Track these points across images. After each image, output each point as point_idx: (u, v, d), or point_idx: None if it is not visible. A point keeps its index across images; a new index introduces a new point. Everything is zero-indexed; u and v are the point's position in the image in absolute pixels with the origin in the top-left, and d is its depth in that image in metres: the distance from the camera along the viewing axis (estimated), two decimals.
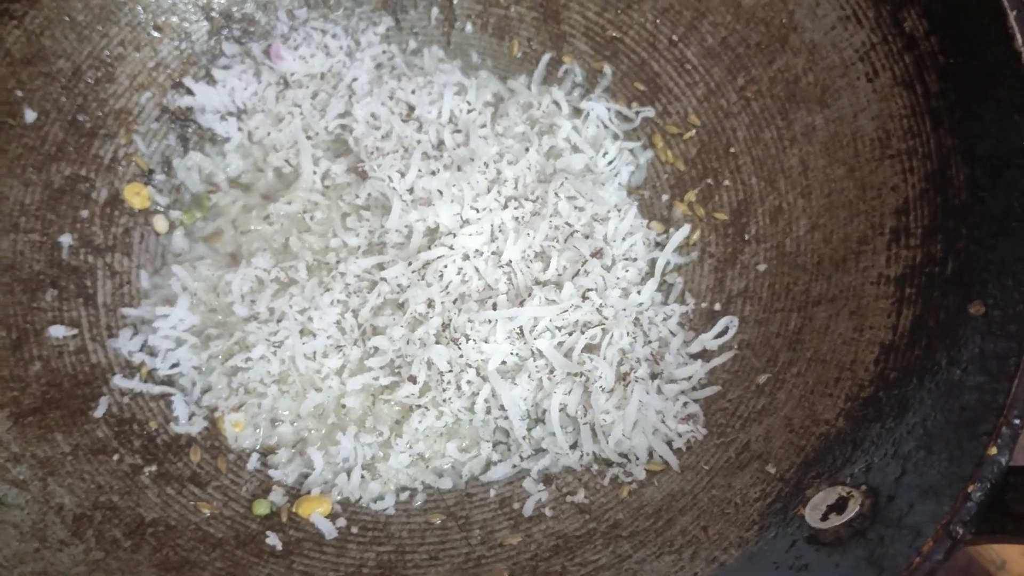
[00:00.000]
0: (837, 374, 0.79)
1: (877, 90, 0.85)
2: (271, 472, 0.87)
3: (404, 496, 0.87)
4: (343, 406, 0.89)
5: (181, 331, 0.91)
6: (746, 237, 0.92)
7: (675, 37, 0.98)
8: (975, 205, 0.75)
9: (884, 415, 0.73)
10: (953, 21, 0.79)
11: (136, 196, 0.97)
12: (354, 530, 0.84)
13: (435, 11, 1.04)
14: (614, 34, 1.01)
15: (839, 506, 0.69)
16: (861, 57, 0.86)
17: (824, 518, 0.69)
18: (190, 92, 1.00)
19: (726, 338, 0.89)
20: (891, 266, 0.80)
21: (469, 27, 1.05)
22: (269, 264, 0.93)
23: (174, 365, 0.91)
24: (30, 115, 0.91)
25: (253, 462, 0.87)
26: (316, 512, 0.84)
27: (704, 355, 0.89)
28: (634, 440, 0.85)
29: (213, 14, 1.01)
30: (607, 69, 1.01)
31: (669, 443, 0.85)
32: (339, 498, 0.86)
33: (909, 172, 0.81)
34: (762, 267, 0.90)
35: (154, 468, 0.84)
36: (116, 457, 0.84)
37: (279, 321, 0.89)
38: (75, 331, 0.90)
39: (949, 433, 0.67)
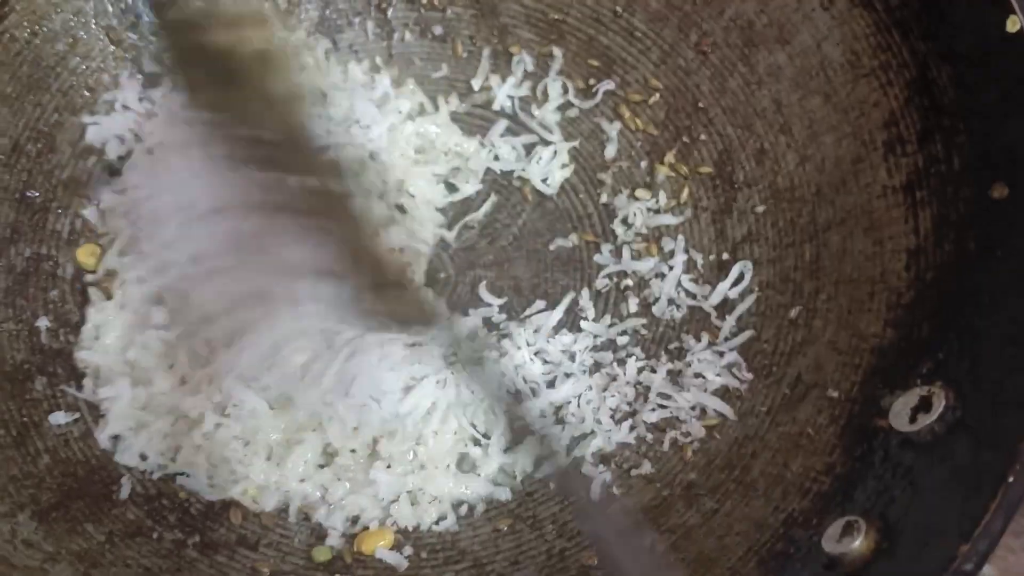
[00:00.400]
0: (870, 288, 0.80)
1: (835, 16, 0.87)
2: (318, 518, 0.82)
3: (463, 510, 0.83)
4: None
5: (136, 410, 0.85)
6: (735, 184, 0.92)
7: (619, 8, 0.98)
8: (967, 99, 0.77)
9: (933, 314, 0.74)
10: None
11: (91, 257, 0.91)
12: (423, 555, 0.80)
13: (371, 26, 1.02)
14: (556, 16, 1.01)
15: (923, 405, 0.69)
16: None
17: (913, 420, 0.69)
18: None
19: (744, 284, 0.89)
20: (893, 176, 0.82)
21: (408, 36, 1.03)
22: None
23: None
24: None
25: (294, 513, 0.82)
26: (380, 546, 0.80)
27: (727, 305, 0.89)
28: (679, 402, 0.84)
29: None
30: (556, 52, 1.01)
31: (719, 395, 0.84)
32: (397, 528, 0.82)
33: (888, 85, 0.83)
34: (760, 208, 0.90)
35: (197, 539, 0.78)
36: (155, 535, 0.78)
37: None
38: (76, 415, 0.83)
39: (1012, 309, 0.68)
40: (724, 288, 0.89)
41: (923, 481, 0.66)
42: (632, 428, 0.85)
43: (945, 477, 0.65)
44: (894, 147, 0.82)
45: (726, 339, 0.87)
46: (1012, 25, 0.73)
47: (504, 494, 0.83)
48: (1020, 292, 0.68)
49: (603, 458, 0.84)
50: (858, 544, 0.65)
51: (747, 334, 0.86)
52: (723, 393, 0.84)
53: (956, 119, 0.78)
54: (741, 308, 0.88)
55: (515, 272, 0.94)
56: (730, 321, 0.87)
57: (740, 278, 0.89)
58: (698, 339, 0.87)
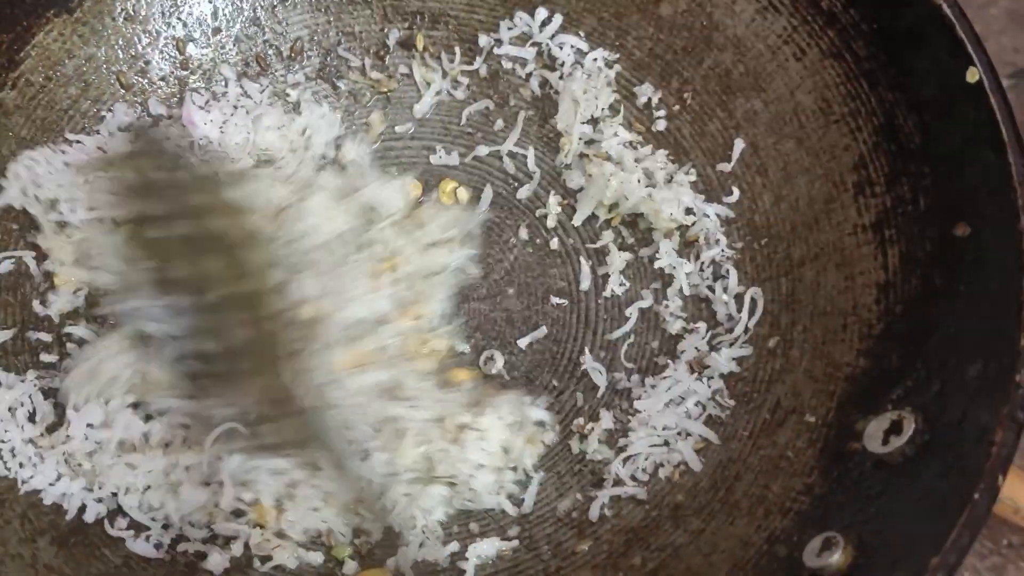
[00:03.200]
0: (843, 320, 0.86)
1: (807, 66, 0.93)
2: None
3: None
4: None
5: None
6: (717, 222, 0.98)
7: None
8: (932, 145, 0.84)
9: (902, 343, 0.80)
10: None
11: None
12: None
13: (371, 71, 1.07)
14: None
15: (895, 428, 0.75)
16: (785, 41, 0.95)
17: (885, 442, 0.75)
18: None
19: (758, 314, 0.93)
20: (863, 215, 0.88)
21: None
22: None
23: None
24: None
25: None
26: None
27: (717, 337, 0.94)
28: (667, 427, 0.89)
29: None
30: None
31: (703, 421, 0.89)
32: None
33: (857, 131, 0.89)
34: (739, 244, 0.96)
35: (217, 556, 0.82)
36: (168, 557, 0.82)
37: None
38: None
39: (975, 339, 0.74)
40: (744, 320, 0.93)
41: (896, 500, 0.72)
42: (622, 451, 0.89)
43: (916, 496, 0.70)
44: (863, 188, 0.88)
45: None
46: (971, 76, 0.79)
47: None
48: (982, 323, 0.74)
49: (595, 483, 0.89)
50: (836, 558, 0.70)
51: (732, 363, 0.91)
52: (706, 419, 0.89)
53: (922, 163, 0.84)
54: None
55: (507, 305, 0.99)
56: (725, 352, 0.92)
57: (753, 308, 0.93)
58: (691, 370, 0.92)
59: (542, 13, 1.04)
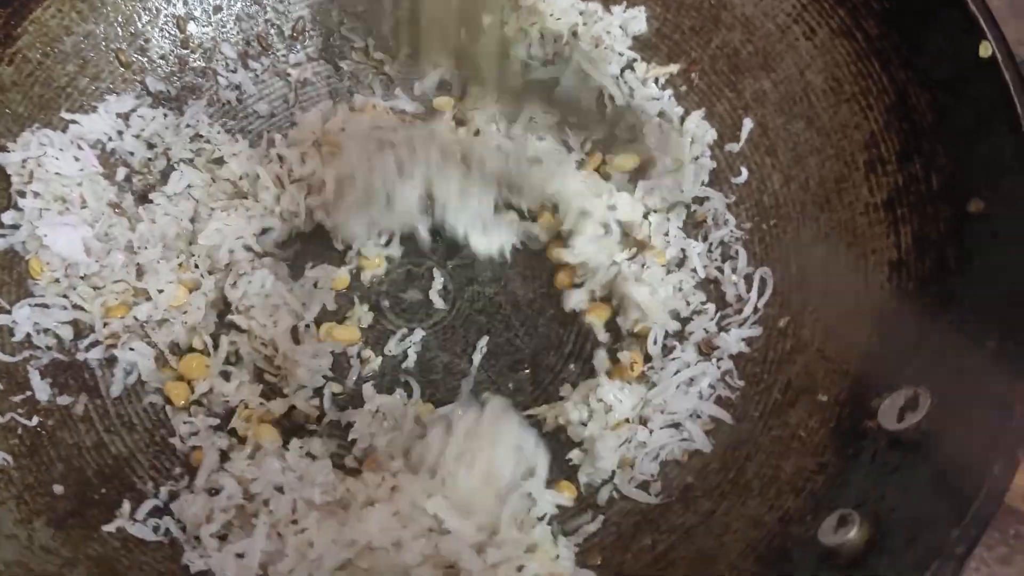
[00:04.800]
0: (855, 300, 0.84)
1: (818, 45, 0.92)
2: None
3: None
4: None
5: None
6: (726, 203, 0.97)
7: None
8: (944, 123, 0.82)
9: (915, 321, 0.79)
10: None
11: None
12: None
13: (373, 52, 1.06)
14: None
15: (910, 405, 0.73)
16: (795, 20, 0.94)
17: (900, 419, 0.73)
18: None
19: (767, 294, 0.91)
20: (875, 194, 0.87)
21: None
22: None
23: None
24: None
25: None
26: None
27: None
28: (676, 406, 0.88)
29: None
30: None
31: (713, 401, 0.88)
32: None
33: (868, 109, 0.88)
34: (747, 225, 0.95)
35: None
36: (167, 540, 0.80)
37: None
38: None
39: (990, 314, 0.73)
40: (753, 300, 0.91)
41: (912, 476, 0.70)
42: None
43: (933, 471, 0.69)
44: (875, 167, 0.87)
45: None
46: (984, 50, 0.78)
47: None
48: (996, 299, 0.73)
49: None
50: (853, 535, 0.69)
51: (741, 343, 0.90)
52: (716, 400, 0.88)
53: (934, 140, 0.83)
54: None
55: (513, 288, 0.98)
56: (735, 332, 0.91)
57: (762, 289, 0.92)
58: (700, 351, 0.91)
59: None
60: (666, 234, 0.95)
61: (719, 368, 0.88)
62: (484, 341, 0.94)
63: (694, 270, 0.94)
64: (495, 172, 0.93)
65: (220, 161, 0.98)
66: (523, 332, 0.95)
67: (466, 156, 0.93)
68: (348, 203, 0.93)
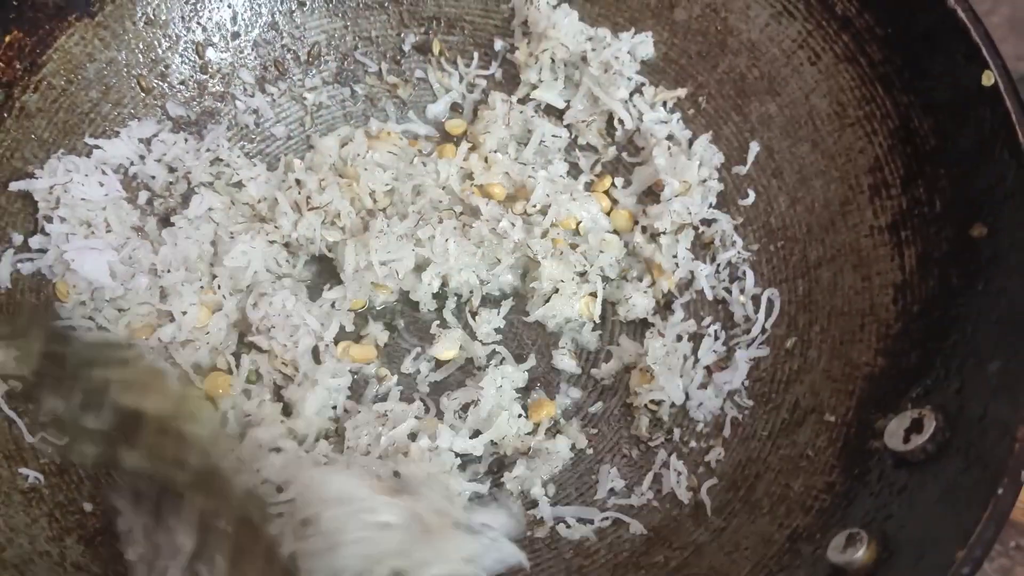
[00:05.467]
0: (860, 320, 0.87)
1: (822, 70, 0.95)
2: None
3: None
4: None
5: None
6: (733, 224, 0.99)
7: None
8: (947, 148, 0.85)
9: (920, 343, 0.81)
10: None
11: None
12: None
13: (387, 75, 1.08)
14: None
15: (916, 427, 0.75)
16: (800, 45, 0.96)
17: (906, 440, 0.75)
18: None
19: (774, 315, 0.93)
20: (879, 217, 0.89)
21: None
22: None
23: None
24: None
25: None
26: None
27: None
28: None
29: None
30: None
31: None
32: None
33: (872, 134, 0.91)
34: (755, 246, 0.97)
35: None
36: None
37: None
38: None
39: (994, 337, 0.75)
40: (760, 321, 0.94)
41: (919, 496, 0.72)
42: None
43: (939, 492, 0.71)
44: (879, 190, 0.89)
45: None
46: (987, 79, 0.81)
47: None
48: (1000, 321, 0.75)
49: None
50: (861, 554, 0.71)
51: (747, 365, 0.92)
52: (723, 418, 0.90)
53: (937, 165, 0.85)
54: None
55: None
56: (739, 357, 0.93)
57: (770, 309, 0.94)
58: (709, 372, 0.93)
59: None
60: (675, 256, 0.97)
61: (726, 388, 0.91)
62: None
63: (702, 291, 0.96)
64: None
65: (239, 185, 1.00)
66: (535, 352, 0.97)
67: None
68: None
